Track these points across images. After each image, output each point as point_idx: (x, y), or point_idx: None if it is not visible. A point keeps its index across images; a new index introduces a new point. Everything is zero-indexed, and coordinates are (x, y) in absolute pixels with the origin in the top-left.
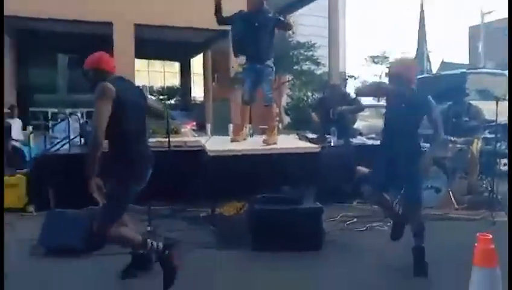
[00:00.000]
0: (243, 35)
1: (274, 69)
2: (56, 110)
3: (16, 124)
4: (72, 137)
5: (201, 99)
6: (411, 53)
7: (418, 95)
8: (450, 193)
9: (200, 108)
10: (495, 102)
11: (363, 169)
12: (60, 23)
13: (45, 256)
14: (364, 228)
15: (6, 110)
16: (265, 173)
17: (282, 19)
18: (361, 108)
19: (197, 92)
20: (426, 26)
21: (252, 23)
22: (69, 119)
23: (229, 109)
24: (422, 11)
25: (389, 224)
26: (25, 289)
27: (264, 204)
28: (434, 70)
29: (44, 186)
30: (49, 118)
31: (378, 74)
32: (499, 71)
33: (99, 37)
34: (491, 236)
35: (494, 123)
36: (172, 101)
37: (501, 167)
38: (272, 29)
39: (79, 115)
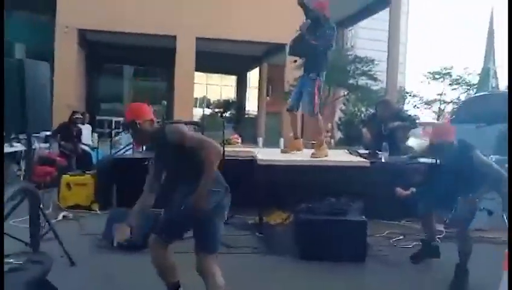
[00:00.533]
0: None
1: (319, 81)
2: (120, 120)
3: (86, 130)
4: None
5: (255, 112)
6: (476, 69)
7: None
8: (504, 216)
9: (252, 121)
10: None
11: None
12: (127, 36)
13: (109, 250)
14: (411, 246)
15: (79, 115)
16: (312, 185)
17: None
18: (414, 125)
19: (252, 105)
20: (495, 39)
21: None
22: None
23: (281, 123)
24: (491, 24)
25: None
26: (90, 279)
27: (309, 213)
28: (502, 87)
29: (108, 186)
30: (113, 126)
31: (438, 91)
32: None
33: (163, 49)
34: None
35: None
36: (227, 114)
37: None
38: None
39: None
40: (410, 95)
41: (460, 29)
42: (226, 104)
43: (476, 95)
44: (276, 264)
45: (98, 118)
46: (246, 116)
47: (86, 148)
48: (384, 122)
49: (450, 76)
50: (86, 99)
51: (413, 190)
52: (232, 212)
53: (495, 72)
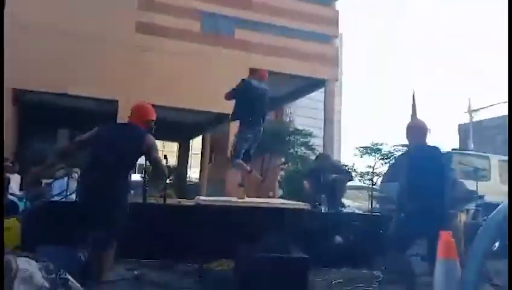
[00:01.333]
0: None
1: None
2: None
3: (15, 179)
4: (69, 194)
5: (197, 180)
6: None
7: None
8: None
9: (194, 188)
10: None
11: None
12: (64, 98)
13: None
14: (351, 287)
15: (8, 163)
16: (253, 228)
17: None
18: (351, 177)
19: (194, 171)
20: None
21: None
22: (68, 177)
23: (223, 189)
24: (414, 107)
25: (374, 285)
26: None
27: (250, 251)
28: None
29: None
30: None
31: (370, 164)
32: (482, 153)
33: (103, 114)
34: (451, 232)
35: (476, 196)
36: (168, 181)
37: None
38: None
39: (78, 172)
40: (353, 178)
41: (386, 109)
42: (168, 171)
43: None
44: None
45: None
46: (188, 182)
47: (13, 198)
48: (324, 174)
49: (380, 151)
50: (15, 157)
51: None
52: (173, 259)
53: None
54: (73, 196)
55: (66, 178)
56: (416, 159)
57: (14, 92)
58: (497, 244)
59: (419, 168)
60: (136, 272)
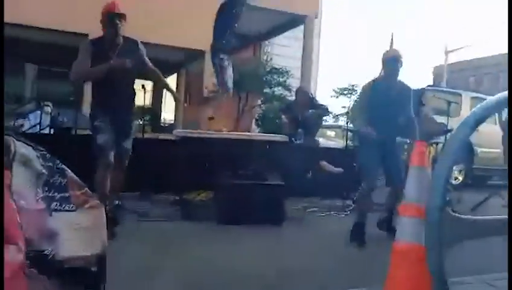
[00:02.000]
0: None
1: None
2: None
3: None
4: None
5: (172, 121)
6: None
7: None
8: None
9: (169, 130)
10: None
11: (326, 164)
12: (33, 31)
13: None
14: (324, 215)
15: None
16: (233, 157)
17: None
18: (327, 113)
19: (168, 112)
20: None
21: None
22: (42, 111)
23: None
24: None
25: (346, 212)
26: None
27: (229, 178)
28: None
29: None
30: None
31: (345, 104)
32: (454, 90)
33: (74, 49)
34: (426, 143)
35: (446, 129)
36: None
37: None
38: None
39: (50, 106)
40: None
41: (364, 51)
42: (140, 111)
43: None
44: (192, 230)
45: None
46: (162, 124)
47: None
48: (301, 109)
49: (356, 92)
50: None
51: (340, 170)
52: (152, 191)
53: None
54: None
55: (39, 111)
56: (381, 88)
57: None
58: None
59: (383, 97)
60: (116, 202)
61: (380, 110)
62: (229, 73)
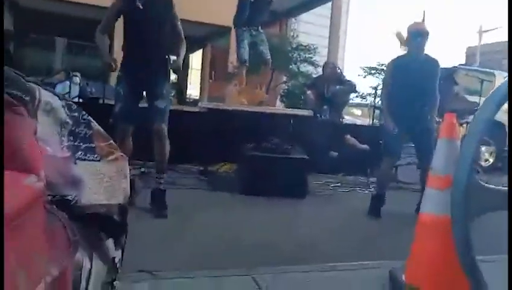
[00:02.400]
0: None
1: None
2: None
3: None
4: (72, 97)
5: (197, 97)
6: None
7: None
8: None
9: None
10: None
11: (351, 139)
12: (62, 5)
13: None
14: (348, 190)
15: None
16: (259, 131)
17: None
18: (354, 90)
19: (194, 88)
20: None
21: None
22: (71, 80)
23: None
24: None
25: (370, 189)
26: None
27: (253, 151)
28: None
29: None
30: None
31: (373, 85)
32: (487, 69)
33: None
34: (455, 114)
35: (476, 108)
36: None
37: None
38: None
39: (79, 77)
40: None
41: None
42: None
43: None
44: (217, 198)
45: None
46: (187, 100)
47: None
48: (328, 84)
49: (384, 72)
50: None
51: (366, 146)
52: (178, 161)
53: None
54: (75, 100)
55: (67, 82)
56: (405, 62)
57: None
58: None
59: (407, 71)
60: (142, 169)
61: (403, 85)
62: (245, 45)
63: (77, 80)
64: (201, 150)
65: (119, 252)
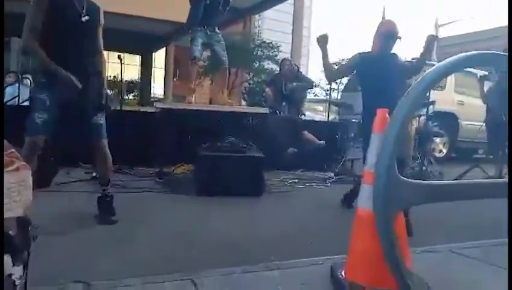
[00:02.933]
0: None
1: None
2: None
3: None
4: (21, 101)
5: (161, 95)
6: None
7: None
8: None
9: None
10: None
11: (308, 134)
12: (19, 4)
13: None
14: (304, 186)
15: None
16: (214, 131)
17: None
18: (311, 86)
19: (158, 87)
20: None
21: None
22: (20, 83)
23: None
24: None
25: (327, 184)
26: None
27: (208, 150)
28: None
29: None
30: None
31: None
32: (436, 62)
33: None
34: (387, 109)
35: (427, 101)
36: (131, 96)
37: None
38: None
39: (30, 79)
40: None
41: (356, 25)
42: (130, 86)
43: None
44: (172, 201)
45: None
46: (152, 99)
47: None
48: (285, 81)
49: None
50: None
51: (323, 142)
52: (133, 163)
53: None
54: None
55: (17, 84)
56: (373, 60)
57: None
58: None
59: (374, 69)
60: (94, 174)
61: (371, 83)
62: (197, 44)
63: (28, 82)
64: (158, 152)
65: (20, 268)
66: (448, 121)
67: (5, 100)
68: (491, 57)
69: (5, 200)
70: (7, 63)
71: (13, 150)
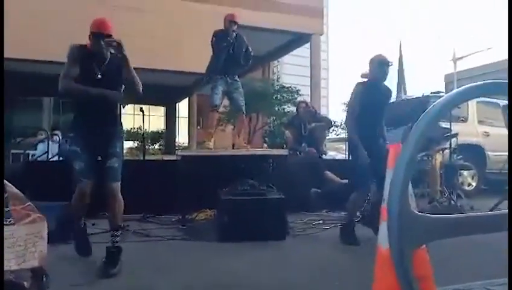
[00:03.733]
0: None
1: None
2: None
3: None
4: (50, 157)
5: (186, 144)
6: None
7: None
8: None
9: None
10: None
11: (331, 174)
12: (47, 66)
13: None
14: (329, 227)
15: None
16: (235, 175)
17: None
18: (330, 125)
19: (183, 136)
20: (404, 71)
21: (226, 42)
22: (49, 140)
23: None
24: (400, 57)
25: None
26: None
27: (229, 195)
28: None
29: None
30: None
31: None
32: None
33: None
34: (401, 143)
35: (449, 134)
36: (157, 146)
37: (459, 178)
38: (243, 49)
39: (59, 135)
40: (334, 124)
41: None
42: (155, 135)
43: None
44: (194, 248)
45: (12, 151)
46: (177, 147)
47: None
48: (304, 122)
49: None
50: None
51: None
52: (157, 211)
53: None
54: (56, 158)
55: (46, 141)
56: (371, 91)
57: None
58: None
59: (372, 99)
60: (121, 225)
61: (369, 113)
62: (218, 92)
63: (57, 138)
64: (181, 199)
65: None
66: (475, 153)
67: (36, 156)
68: (492, 86)
69: (22, 251)
70: (38, 122)
71: (30, 203)
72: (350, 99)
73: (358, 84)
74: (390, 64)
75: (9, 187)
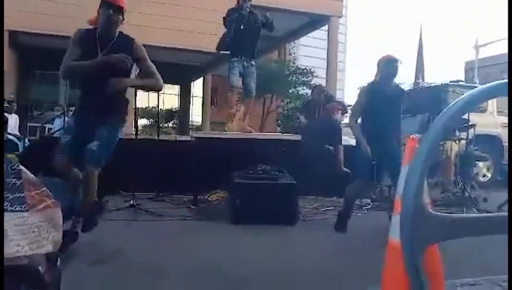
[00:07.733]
0: (233, 34)
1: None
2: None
3: (13, 119)
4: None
5: (199, 123)
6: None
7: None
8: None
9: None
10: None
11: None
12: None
13: None
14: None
15: (5, 103)
16: (247, 158)
17: (267, 18)
18: (345, 110)
19: (197, 115)
20: (424, 58)
21: (238, 18)
22: (66, 115)
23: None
24: (420, 40)
25: (364, 211)
26: None
27: (242, 178)
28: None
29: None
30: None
31: None
32: (474, 84)
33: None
34: (418, 137)
35: (466, 124)
36: (171, 124)
37: (474, 169)
38: (258, 24)
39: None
40: (349, 107)
41: (392, 48)
42: (169, 114)
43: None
44: (207, 229)
45: (29, 124)
46: (190, 126)
47: (12, 137)
48: (319, 107)
49: None
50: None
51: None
52: (169, 191)
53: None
54: None
55: (63, 116)
56: (379, 90)
57: (13, 34)
58: None
59: (380, 99)
60: (132, 202)
61: (376, 112)
62: (236, 72)
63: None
64: (193, 179)
65: None
66: (492, 144)
67: (52, 131)
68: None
69: (35, 237)
70: (55, 97)
71: (44, 188)
72: (357, 96)
73: (368, 84)
74: (398, 62)
75: (24, 173)
